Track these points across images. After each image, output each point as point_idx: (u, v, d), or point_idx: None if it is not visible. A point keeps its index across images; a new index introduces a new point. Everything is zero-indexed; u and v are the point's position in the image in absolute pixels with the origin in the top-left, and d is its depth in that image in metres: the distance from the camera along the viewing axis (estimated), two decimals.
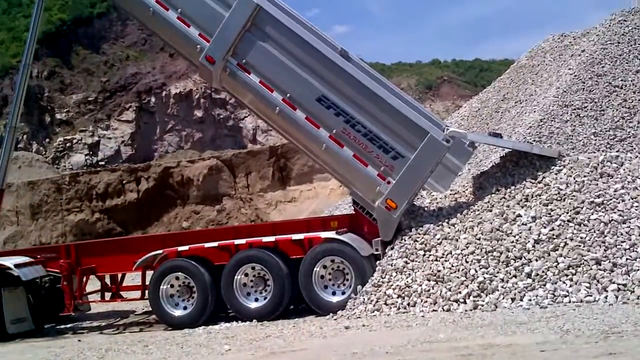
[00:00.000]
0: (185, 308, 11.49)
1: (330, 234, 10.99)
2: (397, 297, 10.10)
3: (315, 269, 10.89)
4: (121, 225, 36.43)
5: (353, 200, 11.33)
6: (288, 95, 11.03)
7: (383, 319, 9.62)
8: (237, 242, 11.36)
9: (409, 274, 10.33)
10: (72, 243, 13.15)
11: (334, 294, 10.95)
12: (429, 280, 10.09)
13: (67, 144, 43.81)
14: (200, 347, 9.27)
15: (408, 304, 9.99)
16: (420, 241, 10.72)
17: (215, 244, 11.44)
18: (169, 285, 11.50)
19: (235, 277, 11.16)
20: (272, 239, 11.27)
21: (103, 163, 43.14)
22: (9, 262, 12.13)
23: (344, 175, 11.24)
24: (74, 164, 43.20)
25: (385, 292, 10.22)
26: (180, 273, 11.43)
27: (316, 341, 8.90)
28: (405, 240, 10.82)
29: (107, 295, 12.77)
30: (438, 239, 10.65)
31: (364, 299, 10.30)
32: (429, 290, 9.97)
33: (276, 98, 11.05)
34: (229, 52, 11.13)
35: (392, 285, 10.28)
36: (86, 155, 43.79)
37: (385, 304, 10.11)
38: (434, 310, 9.72)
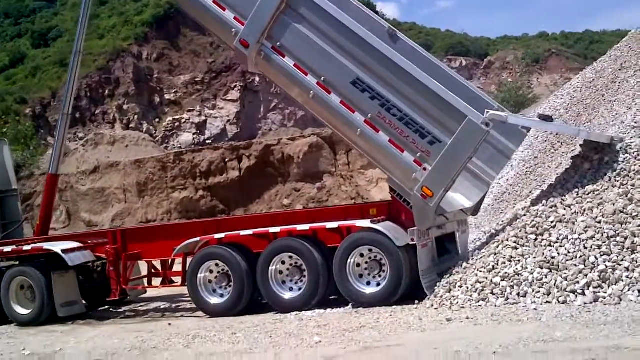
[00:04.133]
0: (222, 296, 11.36)
1: (365, 223, 10.54)
2: (506, 286, 9.18)
3: (349, 259, 10.50)
4: (223, 203, 37.07)
5: (390, 187, 10.80)
6: (322, 78, 10.59)
7: (490, 311, 8.74)
8: (272, 230, 11.10)
9: (519, 260, 9.38)
10: (119, 228, 13.30)
11: (368, 284, 10.52)
12: (541, 268, 9.09)
13: (176, 124, 45.13)
14: (290, 337, 8.81)
15: (518, 294, 9.04)
16: (531, 224, 9.73)
17: (250, 231, 11.24)
18: (207, 273, 11.41)
19: (270, 266, 10.93)
20: (306, 227, 10.95)
21: (210, 142, 44.06)
22: (57, 247, 12.41)
23: (380, 162, 10.72)
24: (182, 143, 44.48)
25: (492, 280, 9.36)
26: (218, 261, 11.30)
27: (414, 335, 8.21)
28: (514, 223, 9.99)
29: (158, 281, 12.84)
30: (552, 222, 9.59)
31: (466, 287, 9.49)
32: (541, 280, 8.99)
33: (310, 82, 10.63)
34: (264, 36, 10.81)
35: (499, 272, 9.36)
36: (194, 134, 44.96)
37: (492, 293, 9.23)
38: (547, 302, 8.74)
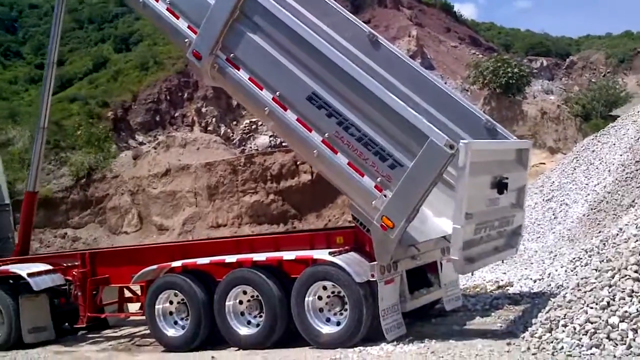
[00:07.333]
0: (183, 327, 10.44)
1: (324, 254, 9.40)
2: (627, 330, 7.27)
3: (307, 295, 9.42)
4: (295, 207, 36.24)
5: (352, 215, 9.60)
6: (278, 93, 9.50)
7: None
8: (228, 259, 10.14)
9: None
10: (88, 250, 12.58)
11: (328, 321, 9.42)
12: None
13: (253, 126, 44.77)
14: None
15: None
16: None
17: (207, 260, 10.31)
18: (167, 303, 10.56)
19: (227, 300, 9.95)
20: (263, 257, 9.91)
21: (285, 144, 43.44)
22: (24, 270, 11.85)
23: (341, 187, 9.54)
24: (260, 146, 44.13)
25: (607, 321, 7.45)
26: (175, 290, 10.43)
27: None
28: (634, 246, 8.19)
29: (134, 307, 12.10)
30: None
31: (573, 327, 7.60)
32: None
33: (266, 97, 9.57)
34: (217, 46, 9.84)
35: (616, 311, 7.47)
36: (270, 137, 44.47)
37: (609, 338, 7.31)
38: None
